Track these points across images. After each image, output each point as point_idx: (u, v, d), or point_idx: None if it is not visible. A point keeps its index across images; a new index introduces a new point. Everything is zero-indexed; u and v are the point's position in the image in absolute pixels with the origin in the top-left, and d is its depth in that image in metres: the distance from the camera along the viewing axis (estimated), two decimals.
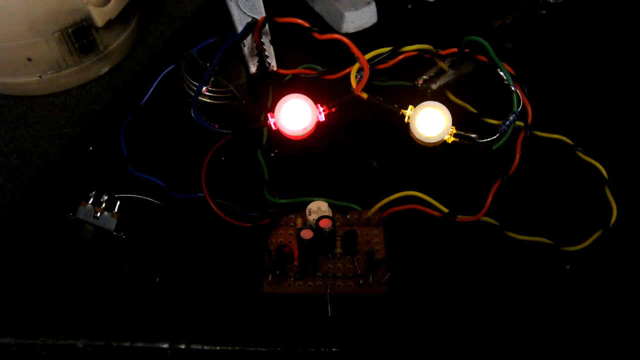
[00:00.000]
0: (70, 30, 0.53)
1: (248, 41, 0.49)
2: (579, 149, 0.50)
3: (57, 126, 0.54)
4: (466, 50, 0.48)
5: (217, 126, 0.47)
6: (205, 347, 0.40)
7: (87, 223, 0.45)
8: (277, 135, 0.46)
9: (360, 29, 0.62)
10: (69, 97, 0.56)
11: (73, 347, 0.40)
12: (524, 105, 0.45)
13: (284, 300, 0.42)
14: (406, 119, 0.45)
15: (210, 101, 0.53)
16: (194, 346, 0.40)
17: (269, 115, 0.45)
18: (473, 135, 0.45)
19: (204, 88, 0.51)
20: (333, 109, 0.46)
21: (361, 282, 0.42)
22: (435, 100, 0.45)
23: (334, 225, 0.42)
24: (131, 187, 0.47)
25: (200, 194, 0.47)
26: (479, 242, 0.45)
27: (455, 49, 0.48)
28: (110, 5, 0.54)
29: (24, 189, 0.49)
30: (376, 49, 0.48)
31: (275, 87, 0.54)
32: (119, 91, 0.57)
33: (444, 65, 0.50)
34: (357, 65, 0.47)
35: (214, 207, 0.45)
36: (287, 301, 0.42)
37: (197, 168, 0.49)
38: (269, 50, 0.50)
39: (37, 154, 0.52)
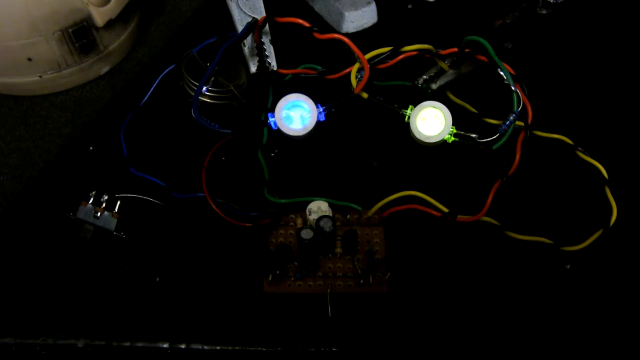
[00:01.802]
0: (70, 30, 0.53)
1: (248, 41, 0.49)
2: (579, 149, 0.50)
3: (57, 126, 0.54)
4: (466, 50, 0.48)
5: (217, 126, 0.47)
6: (205, 347, 0.40)
7: (87, 223, 0.45)
8: (277, 135, 0.46)
9: (360, 29, 0.62)
10: (69, 97, 0.56)
11: (73, 347, 0.40)
12: (524, 105, 0.45)
13: (284, 300, 0.42)
14: (406, 119, 0.45)
15: (210, 101, 0.53)
16: (194, 346, 0.40)
17: (269, 115, 0.45)
18: (473, 135, 0.45)
19: (204, 88, 0.51)
20: (333, 109, 0.46)
21: (361, 282, 0.42)
22: (435, 100, 0.45)
23: (334, 225, 0.42)
24: (131, 187, 0.47)
25: (200, 194, 0.47)
26: (479, 242, 0.45)
27: (455, 49, 0.48)
28: (110, 5, 0.54)
29: (24, 189, 0.49)
30: (376, 49, 0.48)
31: (275, 87, 0.54)
32: (119, 91, 0.57)
33: (444, 65, 0.50)
34: (357, 65, 0.47)
35: (214, 207, 0.45)
36: (287, 301, 0.42)
37: (197, 168, 0.49)
38: (269, 50, 0.50)
39: (37, 153, 0.52)
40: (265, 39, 0.50)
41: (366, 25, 0.63)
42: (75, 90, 0.57)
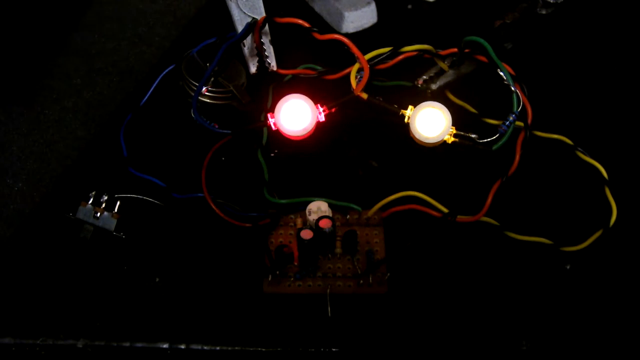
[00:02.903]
0: None
1: (248, 41, 0.49)
2: (579, 149, 0.50)
3: (70, 129, 0.54)
4: (466, 50, 0.48)
5: (217, 126, 0.47)
6: (205, 347, 0.40)
7: (87, 223, 0.45)
8: (277, 135, 0.46)
9: (360, 29, 0.62)
10: (80, 100, 0.56)
11: (73, 347, 0.40)
12: (524, 105, 0.45)
13: (284, 300, 0.42)
14: (406, 119, 0.45)
15: (210, 101, 0.53)
16: (194, 346, 0.40)
17: (269, 115, 0.45)
18: (473, 135, 0.45)
19: (204, 88, 0.51)
20: (333, 109, 0.46)
21: (361, 282, 0.42)
22: (435, 100, 0.45)
23: (334, 225, 0.42)
24: (131, 187, 0.47)
25: (200, 194, 0.47)
26: (479, 242, 0.45)
27: (455, 49, 0.48)
28: None
29: (42, 193, 0.48)
30: (376, 49, 0.48)
31: (275, 87, 0.54)
32: (131, 92, 0.56)
33: (444, 65, 0.50)
34: (357, 66, 0.47)
35: (214, 207, 0.45)
36: (287, 301, 0.42)
37: (197, 168, 0.49)
38: (269, 50, 0.50)
39: (54, 158, 0.51)
40: (265, 39, 0.50)
41: (366, 26, 0.63)
42: (86, 93, 0.57)
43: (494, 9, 0.59)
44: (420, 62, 0.50)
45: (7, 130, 0.53)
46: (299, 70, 0.53)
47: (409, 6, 0.65)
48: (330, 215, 0.44)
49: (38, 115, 0.55)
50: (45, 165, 0.51)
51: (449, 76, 0.51)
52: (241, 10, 0.48)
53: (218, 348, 0.40)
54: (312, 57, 0.54)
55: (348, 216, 0.46)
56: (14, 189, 0.49)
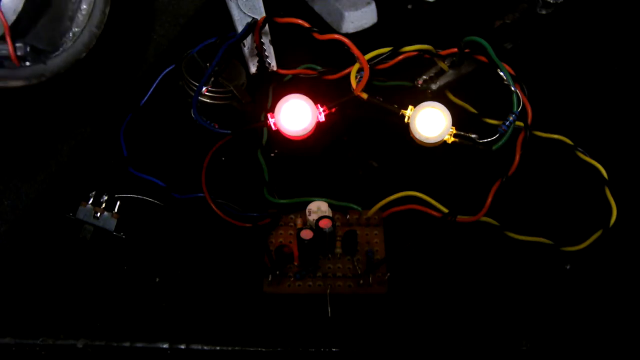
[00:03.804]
0: None
1: (248, 41, 0.49)
2: (579, 149, 0.50)
3: (65, 126, 0.54)
4: (466, 51, 0.48)
5: (217, 126, 0.47)
6: (205, 347, 0.40)
7: (87, 223, 0.45)
8: (277, 135, 0.46)
9: (360, 29, 0.62)
10: (76, 97, 0.56)
11: (73, 347, 0.40)
12: (524, 105, 0.45)
13: (284, 300, 0.42)
14: (406, 119, 0.45)
15: (210, 101, 0.52)
16: (194, 346, 0.40)
17: (269, 115, 0.45)
18: (473, 136, 0.45)
19: (204, 88, 0.51)
20: (333, 109, 0.46)
21: (361, 282, 0.42)
22: (435, 100, 0.45)
23: (334, 225, 0.42)
24: (131, 187, 0.47)
25: (200, 194, 0.47)
26: (479, 242, 0.45)
27: (455, 49, 0.48)
28: None
29: (37, 191, 0.48)
30: (376, 49, 0.48)
31: (275, 87, 0.54)
32: (128, 91, 0.56)
33: (444, 65, 0.50)
34: (357, 66, 0.47)
35: (214, 207, 0.45)
36: (287, 301, 0.42)
37: (197, 168, 0.49)
38: (269, 50, 0.50)
39: (49, 154, 0.51)
40: (265, 39, 0.50)
41: (366, 26, 0.62)
42: (81, 89, 0.56)
43: (494, 9, 0.59)
44: (420, 62, 0.50)
45: (1, 125, 0.53)
46: (299, 70, 0.53)
47: (409, 6, 0.65)
48: (330, 215, 0.44)
49: (33, 110, 0.55)
50: (39, 162, 0.50)
51: (449, 76, 0.51)
52: (241, 10, 0.48)
53: (218, 348, 0.40)
54: (312, 57, 0.54)
55: (348, 216, 0.46)
56: (9, 184, 0.49)
